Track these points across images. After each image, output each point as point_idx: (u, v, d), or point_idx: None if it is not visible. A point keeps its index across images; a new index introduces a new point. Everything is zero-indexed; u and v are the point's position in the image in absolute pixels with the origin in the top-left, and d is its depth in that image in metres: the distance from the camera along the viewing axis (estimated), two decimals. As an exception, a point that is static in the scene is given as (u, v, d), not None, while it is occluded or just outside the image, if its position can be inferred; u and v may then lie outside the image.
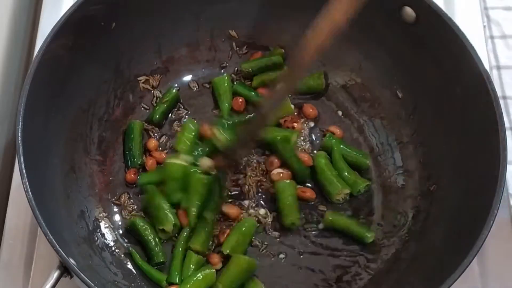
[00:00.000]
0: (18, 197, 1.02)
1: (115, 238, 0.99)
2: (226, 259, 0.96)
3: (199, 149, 1.01)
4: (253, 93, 1.09)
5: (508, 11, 1.25)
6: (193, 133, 1.04)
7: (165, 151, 1.05)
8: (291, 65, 0.92)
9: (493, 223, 0.83)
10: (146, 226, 0.97)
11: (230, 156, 0.98)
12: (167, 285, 0.94)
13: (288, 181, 1.01)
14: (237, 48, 1.12)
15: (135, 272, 0.96)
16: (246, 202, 1.02)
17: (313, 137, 1.08)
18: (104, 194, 1.02)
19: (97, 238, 0.97)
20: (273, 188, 1.01)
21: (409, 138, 1.04)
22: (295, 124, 1.06)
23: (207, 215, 0.96)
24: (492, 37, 1.22)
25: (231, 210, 1.00)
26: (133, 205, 1.01)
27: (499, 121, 0.88)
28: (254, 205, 1.01)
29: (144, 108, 1.09)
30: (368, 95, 1.09)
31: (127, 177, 1.02)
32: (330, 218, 0.99)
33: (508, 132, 0.89)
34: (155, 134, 1.07)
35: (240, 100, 1.08)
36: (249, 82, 1.11)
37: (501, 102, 0.91)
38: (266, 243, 0.99)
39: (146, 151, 1.05)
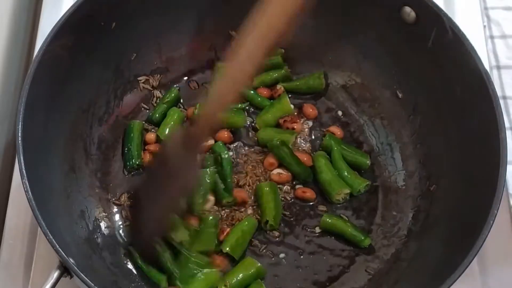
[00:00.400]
0: (18, 197, 1.02)
1: (115, 238, 0.99)
2: (230, 260, 0.96)
3: None
4: (252, 92, 1.09)
5: (508, 11, 1.25)
6: (177, 121, 1.05)
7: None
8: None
9: (493, 223, 0.83)
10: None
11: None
12: (167, 286, 0.94)
13: (268, 183, 1.00)
14: (237, 48, 1.12)
15: (135, 272, 0.96)
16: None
17: (313, 137, 1.08)
18: (104, 194, 1.02)
19: (97, 238, 0.97)
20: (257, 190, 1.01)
21: (409, 138, 1.04)
22: (295, 125, 1.06)
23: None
24: (492, 37, 1.22)
25: (238, 194, 1.00)
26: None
27: (499, 121, 0.88)
28: (254, 205, 1.01)
29: (144, 108, 1.09)
30: (368, 95, 1.09)
31: None
32: (327, 220, 0.99)
33: (508, 132, 0.89)
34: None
35: None
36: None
37: (501, 102, 0.91)
38: (265, 243, 0.99)
39: (145, 145, 1.06)
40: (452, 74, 0.96)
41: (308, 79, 1.10)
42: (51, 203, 0.90)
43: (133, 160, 1.03)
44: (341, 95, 1.11)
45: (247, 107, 1.08)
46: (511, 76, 1.20)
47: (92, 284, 0.80)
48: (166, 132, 1.04)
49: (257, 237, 0.99)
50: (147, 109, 1.09)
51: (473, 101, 0.93)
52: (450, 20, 0.94)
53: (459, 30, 0.94)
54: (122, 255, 0.97)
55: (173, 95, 1.08)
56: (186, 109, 1.08)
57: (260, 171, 1.04)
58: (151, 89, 1.10)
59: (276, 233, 1.00)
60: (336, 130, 1.07)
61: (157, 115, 1.07)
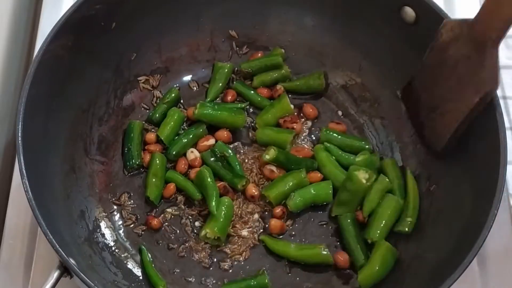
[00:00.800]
0: (18, 197, 1.02)
1: (115, 238, 0.99)
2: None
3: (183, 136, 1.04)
4: (252, 92, 1.09)
5: (508, 11, 1.25)
6: (177, 121, 1.05)
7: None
8: None
9: (493, 223, 0.83)
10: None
11: None
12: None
13: (226, 198, 0.99)
14: (237, 48, 1.12)
15: (135, 272, 0.96)
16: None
17: (313, 137, 1.07)
18: (104, 194, 1.02)
19: (97, 238, 0.97)
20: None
21: (409, 138, 1.04)
22: (295, 125, 1.06)
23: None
24: (492, 37, 1.22)
25: (249, 190, 1.01)
26: (133, 205, 1.01)
27: (499, 121, 0.88)
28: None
29: (144, 108, 1.09)
30: (368, 95, 1.09)
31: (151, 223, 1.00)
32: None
33: (508, 132, 0.89)
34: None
35: (232, 94, 1.09)
36: (249, 82, 1.11)
37: (501, 102, 0.91)
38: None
39: (145, 145, 1.06)
40: (452, 74, 0.96)
41: (308, 79, 1.10)
42: (51, 203, 0.90)
43: (133, 160, 1.03)
44: (341, 95, 1.11)
45: (247, 107, 1.08)
46: (511, 76, 1.20)
47: (92, 284, 0.80)
48: (166, 132, 1.04)
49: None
50: (147, 109, 1.09)
51: (473, 101, 0.93)
52: (450, 20, 0.94)
53: (459, 30, 0.93)
54: (122, 255, 0.97)
55: (173, 95, 1.08)
56: (186, 109, 1.08)
57: (256, 167, 1.04)
58: (151, 89, 1.10)
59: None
60: (338, 126, 1.07)
61: (157, 115, 1.07)
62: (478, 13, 0.85)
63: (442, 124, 0.93)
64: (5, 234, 1.00)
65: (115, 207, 1.01)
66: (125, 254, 0.98)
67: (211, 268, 0.97)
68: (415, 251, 0.95)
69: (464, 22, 0.88)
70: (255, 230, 1.00)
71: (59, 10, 1.15)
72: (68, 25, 0.93)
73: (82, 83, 1.00)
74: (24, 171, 0.84)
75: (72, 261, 0.82)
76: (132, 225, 1.00)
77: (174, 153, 1.03)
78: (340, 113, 1.10)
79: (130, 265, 0.97)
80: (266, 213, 1.01)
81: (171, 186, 1.01)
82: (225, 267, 0.97)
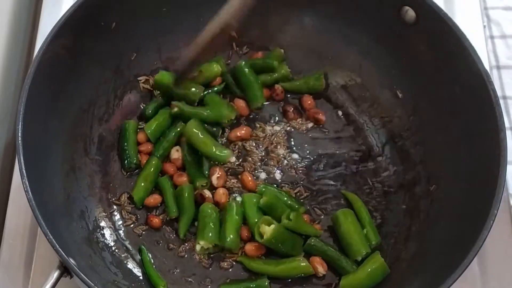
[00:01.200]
0: (18, 197, 1.02)
1: (115, 238, 0.99)
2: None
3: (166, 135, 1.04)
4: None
5: (508, 11, 1.25)
6: (166, 119, 1.05)
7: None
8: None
9: (493, 223, 0.83)
10: None
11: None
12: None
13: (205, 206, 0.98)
14: (237, 48, 1.12)
15: (135, 272, 0.96)
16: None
17: (313, 136, 1.08)
18: (104, 194, 1.02)
19: (97, 238, 0.97)
20: None
21: (409, 138, 1.04)
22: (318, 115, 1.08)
23: None
24: (492, 37, 1.22)
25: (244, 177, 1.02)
26: (133, 205, 1.01)
27: (499, 121, 0.88)
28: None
29: (144, 108, 1.09)
30: (368, 95, 1.09)
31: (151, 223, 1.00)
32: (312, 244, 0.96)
33: (508, 132, 0.89)
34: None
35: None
36: (249, 82, 1.11)
37: (501, 102, 0.91)
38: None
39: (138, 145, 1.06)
40: (452, 74, 0.96)
41: (308, 79, 1.10)
42: (51, 203, 0.90)
43: (130, 160, 1.03)
44: (341, 95, 1.11)
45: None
46: (511, 76, 1.20)
47: (92, 284, 0.80)
48: (152, 127, 1.04)
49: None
50: (147, 109, 1.09)
51: (473, 101, 0.93)
52: (450, 20, 0.94)
53: (459, 30, 0.94)
54: (122, 255, 0.97)
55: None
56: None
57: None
58: (151, 89, 1.10)
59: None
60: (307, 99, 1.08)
61: (149, 110, 1.06)
62: None
63: None
64: (5, 234, 1.00)
65: (115, 207, 1.01)
66: (125, 254, 0.98)
67: (211, 268, 0.97)
68: (415, 251, 0.95)
69: None
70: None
71: (59, 10, 1.15)
72: (68, 25, 0.93)
73: (82, 83, 1.00)
74: (24, 171, 0.84)
75: (72, 261, 0.82)
76: (132, 225, 1.00)
77: (158, 155, 1.03)
78: (340, 113, 1.10)
79: (130, 265, 0.97)
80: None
81: (156, 198, 1.01)
82: (225, 267, 0.97)
